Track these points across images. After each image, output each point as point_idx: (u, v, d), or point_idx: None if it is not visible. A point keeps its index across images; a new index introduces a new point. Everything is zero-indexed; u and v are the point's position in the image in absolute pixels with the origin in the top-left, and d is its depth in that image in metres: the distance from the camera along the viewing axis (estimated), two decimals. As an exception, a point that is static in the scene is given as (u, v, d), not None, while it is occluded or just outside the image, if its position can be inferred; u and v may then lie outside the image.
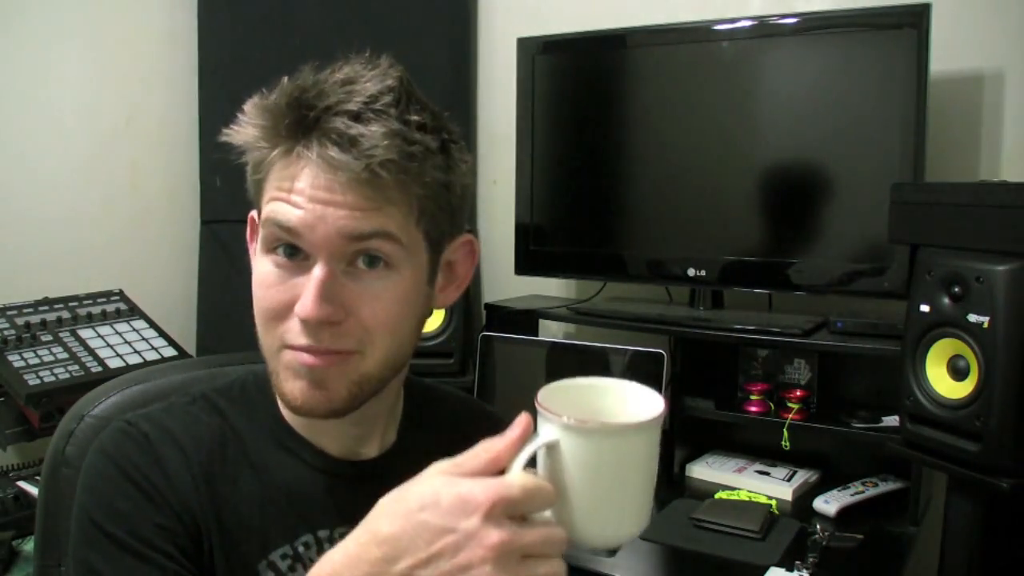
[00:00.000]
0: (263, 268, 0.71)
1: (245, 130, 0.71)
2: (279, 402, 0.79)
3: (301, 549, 0.75)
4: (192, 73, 1.94)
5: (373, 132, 0.66)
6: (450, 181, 0.73)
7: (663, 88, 1.70)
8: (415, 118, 0.69)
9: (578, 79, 1.81)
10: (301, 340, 0.69)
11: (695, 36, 1.64)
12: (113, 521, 0.70)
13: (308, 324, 0.68)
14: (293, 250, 0.70)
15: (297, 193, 0.68)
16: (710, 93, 1.65)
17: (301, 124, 0.68)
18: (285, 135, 0.69)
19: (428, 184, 0.71)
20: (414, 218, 0.71)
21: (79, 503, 0.73)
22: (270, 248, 0.71)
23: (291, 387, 0.71)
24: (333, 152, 0.66)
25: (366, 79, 0.69)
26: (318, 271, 0.68)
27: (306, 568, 0.75)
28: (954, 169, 1.56)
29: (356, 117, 0.67)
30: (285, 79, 0.71)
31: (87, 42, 1.82)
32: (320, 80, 0.70)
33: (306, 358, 0.69)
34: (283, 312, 0.70)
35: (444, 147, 0.72)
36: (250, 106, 0.72)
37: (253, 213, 0.79)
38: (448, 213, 0.75)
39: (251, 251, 0.79)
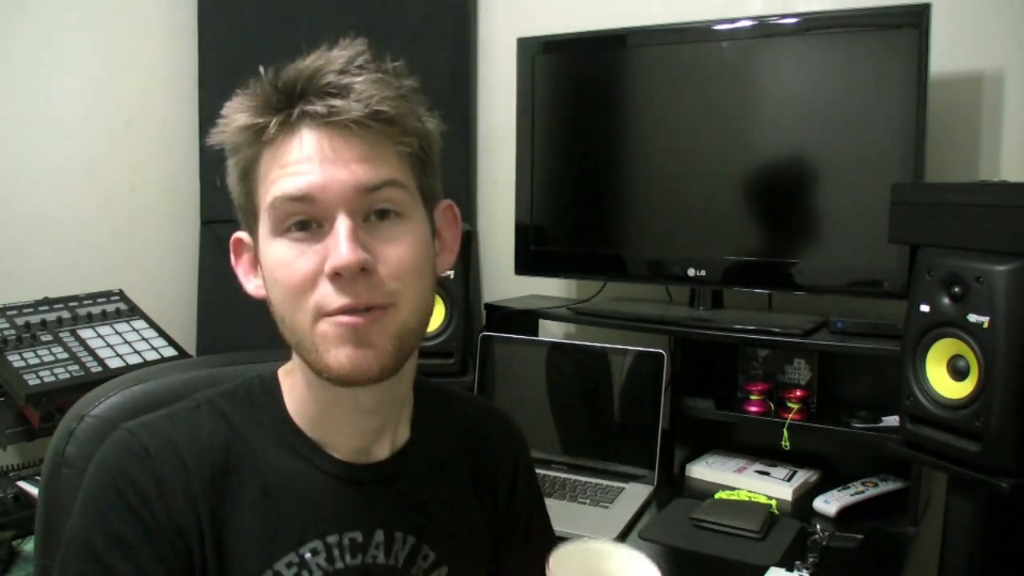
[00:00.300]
0: (278, 250, 0.71)
1: (232, 120, 0.72)
2: (287, 405, 0.79)
3: (308, 556, 0.75)
4: (192, 73, 1.94)
5: (363, 80, 0.70)
6: (431, 130, 0.76)
7: (663, 88, 1.71)
8: (392, 66, 0.73)
9: (578, 79, 1.81)
10: (339, 300, 0.69)
11: (695, 36, 1.64)
12: (108, 545, 0.70)
13: (345, 275, 0.68)
14: (304, 224, 0.70)
15: (301, 162, 0.69)
16: (710, 93, 1.64)
17: (293, 92, 0.70)
18: (278, 108, 0.70)
19: (422, 121, 0.74)
20: (409, 165, 0.74)
21: (77, 517, 0.73)
22: (282, 229, 0.71)
23: (335, 355, 0.70)
24: (334, 101, 0.68)
25: (336, 50, 0.72)
26: (343, 223, 0.69)
27: (312, 575, 0.75)
28: (954, 169, 1.56)
29: (343, 72, 0.70)
30: (262, 69, 0.72)
31: (87, 42, 1.82)
32: (293, 65, 0.72)
33: (349, 319, 0.69)
34: (312, 280, 0.70)
35: (419, 94, 0.76)
36: (231, 103, 0.73)
37: (238, 234, 0.79)
38: (433, 168, 0.77)
39: (240, 272, 0.80)
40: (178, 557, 0.71)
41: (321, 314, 0.70)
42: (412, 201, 0.74)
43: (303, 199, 0.69)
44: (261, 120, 0.70)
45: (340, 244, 0.68)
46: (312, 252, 0.70)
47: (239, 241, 0.80)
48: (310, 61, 0.71)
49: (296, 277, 0.70)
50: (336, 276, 0.68)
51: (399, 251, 0.71)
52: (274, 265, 0.72)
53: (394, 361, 0.72)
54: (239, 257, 0.80)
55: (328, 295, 0.69)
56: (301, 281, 0.70)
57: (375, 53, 0.73)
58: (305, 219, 0.70)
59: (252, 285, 0.79)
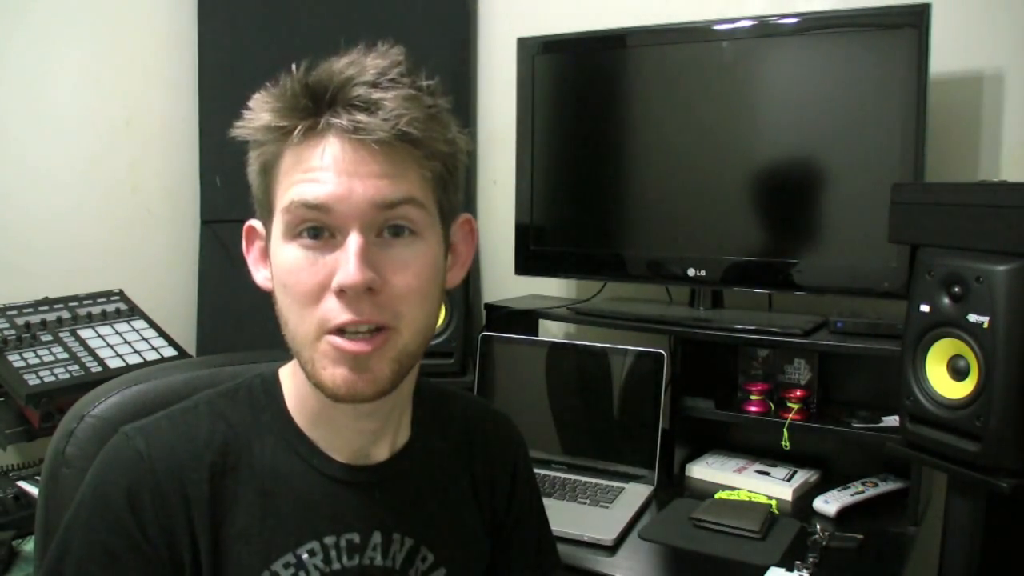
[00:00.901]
0: (289, 255, 0.71)
1: (257, 118, 0.71)
2: (288, 404, 0.79)
3: (305, 556, 0.75)
4: (192, 73, 1.94)
5: (394, 96, 0.69)
6: (458, 150, 0.76)
7: (663, 88, 1.70)
8: (426, 83, 0.73)
9: (578, 79, 1.81)
10: (343, 316, 0.69)
11: (695, 36, 1.64)
12: (92, 555, 0.70)
13: (350, 293, 0.68)
14: (317, 231, 0.70)
15: (323, 169, 0.69)
16: (710, 93, 1.64)
17: (322, 99, 0.69)
18: (305, 113, 0.69)
19: (449, 143, 0.73)
20: (430, 186, 0.73)
21: (68, 520, 0.73)
22: (295, 233, 0.70)
23: (331, 374, 0.70)
24: (361, 116, 0.68)
25: (372, 57, 0.72)
26: (354, 239, 0.69)
27: (309, 575, 0.75)
28: (954, 169, 1.56)
29: (374, 86, 0.69)
30: (294, 67, 0.71)
31: (87, 42, 1.82)
32: (326, 66, 0.71)
33: (349, 345, 0.69)
34: (319, 292, 0.70)
35: (451, 114, 0.75)
36: (259, 97, 0.72)
37: (252, 223, 0.79)
38: (455, 186, 0.77)
39: (250, 261, 0.79)
40: (164, 569, 0.71)
41: (324, 330, 0.70)
42: (429, 220, 0.73)
43: (319, 208, 0.69)
44: (287, 123, 0.70)
45: (349, 261, 0.68)
46: (321, 264, 0.69)
47: (252, 230, 0.79)
48: (343, 66, 0.70)
49: (303, 288, 0.70)
50: (341, 292, 0.68)
51: (408, 274, 0.71)
52: (284, 270, 0.71)
53: (390, 384, 0.72)
54: (250, 245, 0.80)
55: (332, 310, 0.69)
56: (308, 293, 0.70)
57: (410, 67, 0.72)
58: (318, 227, 0.70)
59: (261, 276, 0.78)
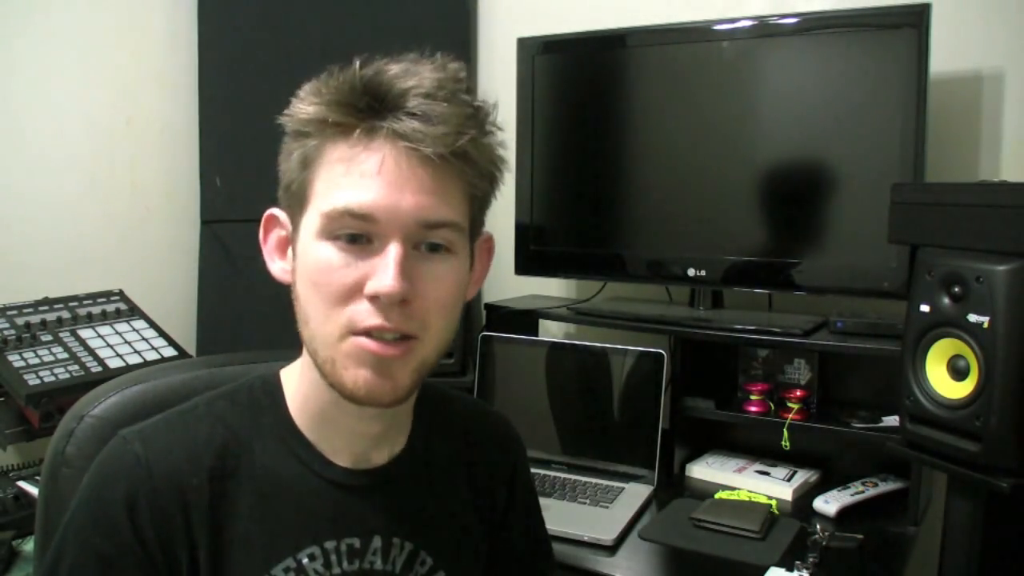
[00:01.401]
0: (324, 253, 0.70)
1: (310, 110, 0.70)
2: (289, 406, 0.79)
3: (305, 561, 0.75)
4: (192, 73, 1.94)
5: (455, 112, 0.68)
6: (502, 172, 0.76)
7: (663, 88, 1.70)
8: (484, 103, 0.72)
9: (578, 79, 1.81)
10: (373, 320, 0.68)
11: (695, 36, 1.64)
12: (87, 560, 0.70)
13: (385, 300, 0.68)
14: (355, 236, 0.69)
15: (371, 176, 0.68)
16: (710, 93, 1.64)
17: (383, 102, 0.68)
18: (365, 113, 0.69)
19: (498, 166, 0.74)
20: (470, 204, 0.74)
21: (66, 524, 0.73)
22: (332, 234, 0.70)
23: (353, 375, 0.70)
24: (422, 127, 0.67)
25: (431, 69, 0.71)
26: (395, 249, 0.68)
27: None
28: (954, 169, 1.56)
29: (436, 98, 0.68)
30: (357, 63, 0.70)
31: (87, 42, 1.82)
32: (381, 68, 0.70)
33: (375, 347, 0.69)
34: (350, 294, 0.69)
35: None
36: (312, 88, 0.71)
37: (274, 211, 0.78)
38: (487, 207, 0.78)
39: (266, 251, 0.78)
40: (161, 574, 0.70)
41: (350, 331, 0.69)
42: (463, 240, 0.74)
43: (364, 217, 0.68)
44: (346, 120, 0.69)
45: (388, 270, 0.68)
46: (356, 267, 0.69)
47: (273, 219, 0.78)
48: (400, 72, 0.69)
49: (335, 288, 0.69)
50: (375, 298, 0.68)
51: (439, 289, 0.71)
52: (315, 267, 0.71)
53: (407, 393, 0.73)
54: (268, 233, 0.78)
55: (361, 312, 0.69)
56: (340, 293, 0.69)
57: (468, 86, 0.72)
58: (357, 233, 0.69)
59: (277, 267, 0.78)
